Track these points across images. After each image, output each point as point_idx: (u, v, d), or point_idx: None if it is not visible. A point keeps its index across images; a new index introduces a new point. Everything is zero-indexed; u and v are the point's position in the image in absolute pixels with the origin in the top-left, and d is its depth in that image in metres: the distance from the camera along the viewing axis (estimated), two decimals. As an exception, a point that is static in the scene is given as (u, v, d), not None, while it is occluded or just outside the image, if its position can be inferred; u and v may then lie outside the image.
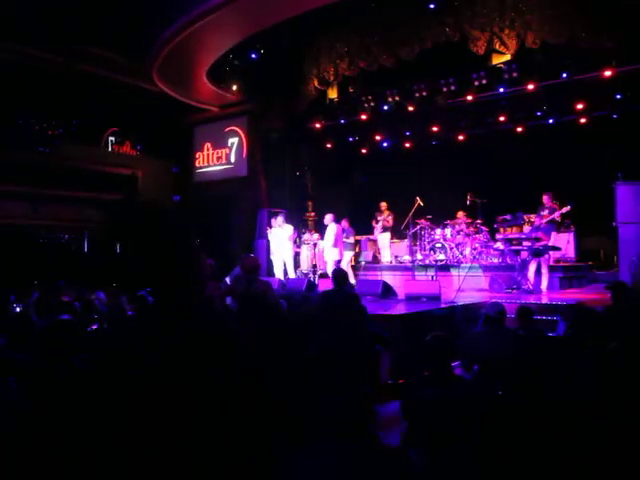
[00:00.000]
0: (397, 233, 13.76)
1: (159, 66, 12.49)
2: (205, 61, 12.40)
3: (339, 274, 6.01)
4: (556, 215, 10.47)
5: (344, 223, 12.29)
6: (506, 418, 2.60)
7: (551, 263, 10.68)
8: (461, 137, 14.34)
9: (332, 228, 11.93)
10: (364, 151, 15.79)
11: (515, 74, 11.19)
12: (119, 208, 14.47)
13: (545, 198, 10.78)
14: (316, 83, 12.85)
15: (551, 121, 12.94)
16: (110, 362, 1.57)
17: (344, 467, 2.08)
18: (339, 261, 11.86)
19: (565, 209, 10.50)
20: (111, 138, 16.46)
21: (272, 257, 12.32)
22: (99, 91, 14.52)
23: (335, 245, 11.87)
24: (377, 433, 2.77)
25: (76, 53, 13.57)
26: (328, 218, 12.09)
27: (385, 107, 13.12)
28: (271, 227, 12.49)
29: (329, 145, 15.22)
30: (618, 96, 11.52)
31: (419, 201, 12.73)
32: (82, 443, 1.62)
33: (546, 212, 10.60)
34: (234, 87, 13.67)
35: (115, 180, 15.68)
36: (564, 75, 11.01)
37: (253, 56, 12.33)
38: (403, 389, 3.77)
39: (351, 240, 12.34)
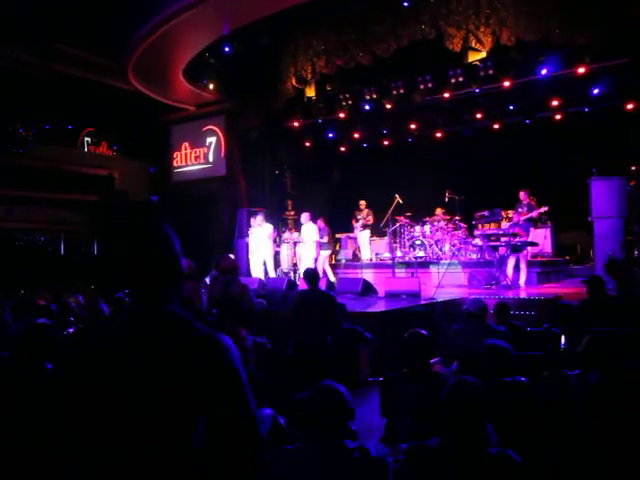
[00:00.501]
0: (377, 230, 13.80)
1: (134, 65, 12.35)
2: (181, 59, 12.29)
3: (311, 273, 5.99)
4: (534, 214, 10.65)
5: (319, 222, 12.29)
6: (485, 414, 2.60)
7: (529, 258, 10.80)
8: (439, 134, 14.44)
9: (312, 226, 11.93)
10: (343, 149, 15.82)
11: (491, 71, 11.26)
12: (99, 208, 14.26)
13: (522, 195, 10.93)
14: (294, 81, 12.80)
15: (527, 118, 13.08)
16: (86, 364, 1.54)
17: (321, 466, 2.07)
18: (317, 259, 11.91)
19: (543, 209, 10.68)
20: (87, 139, 16.27)
21: (251, 256, 12.26)
22: (74, 91, 14.32)
23: (316, 243, 11.90)
24: (355, 431, 2.77)
25: (50, 52, 13.35)
26: (305, 217, 12.08)
27: (363, 105, 13.13)
28: (251, 226, 12.43)
29: (308, 144, 15.21)
30: (592, 92, 11.67)
31: (398, 198, 12.78)
32: (55, 446, 1.59)
33: (524, 209, 10.75)
34: (211, 86, 13.56)
35: (92, 181, 15.49)
36: (539, 72, 11.11)
37: (230, 54, 12.24)
38: (382, 386, 3.77)
39: (325, 239, 12.36)
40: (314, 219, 12.22)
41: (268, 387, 3.14)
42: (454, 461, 2.11)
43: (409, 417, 3.07)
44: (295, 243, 13.18)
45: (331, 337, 4.90)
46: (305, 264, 11.66)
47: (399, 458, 2.25)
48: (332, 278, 12.17)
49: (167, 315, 1.57)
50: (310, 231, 11.98)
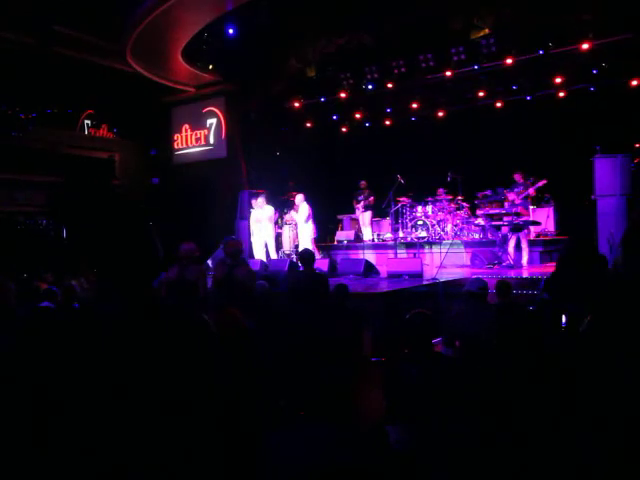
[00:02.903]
0: (379, 211, 13.77)
1: (133, 46, 12.22)
2: (179, 40, 12.15)
3: (305, 255, 5.98)
4: (530, 191, 10.59)
5: None
6: (486, 393, 2.61)
7: (532, 237, 10.78)
8: (441, 113, 14.34)
9: (305, 207, 11.90)
10: (344, 130, 15.73)
11: (494, 48, 11.14)
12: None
13: (517, 176, 10.88)
14: (294, 61, 12.70)
15: (530, 95, 12.96)
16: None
17: (320, 448, 2.08)
18: (315, 238, 11.95)
19: (541, 183, 10.60)
20: (87, 121, 16.17)
21: (252, 239, 12.26)
22: (74, 74, 14.19)
23: (308, 222, 11.90)
24: (356, 411, 2.77)
25: (49, 35, 13.21)
26: (300, 198, 12.03)
27: (364, 84, 13.03)
28: (252, 208, 12.41)
29: (309, 124, 15.14)
30: (595, 69, 11.56)
31: (400, 179, 12.72)
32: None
33: (521, 189, 10.73)
34: (210, 67, 13.45)
35: (92, 164, 15.43)
36: (542, 48, 10.97)
37: (229, 35, 12.09)
38: (385, 367, 3.78)
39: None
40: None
41: (268, 368, 3.16)
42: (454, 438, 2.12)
43: (411, 397, 3.08)
44: (297, 224, 13.17)
45: (332, 317, 4.91)
46: (304, 244, 11.71)
47: (399, 436, 2.26)
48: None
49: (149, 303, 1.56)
50: (302, 212, 11.94)
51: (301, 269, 6.59)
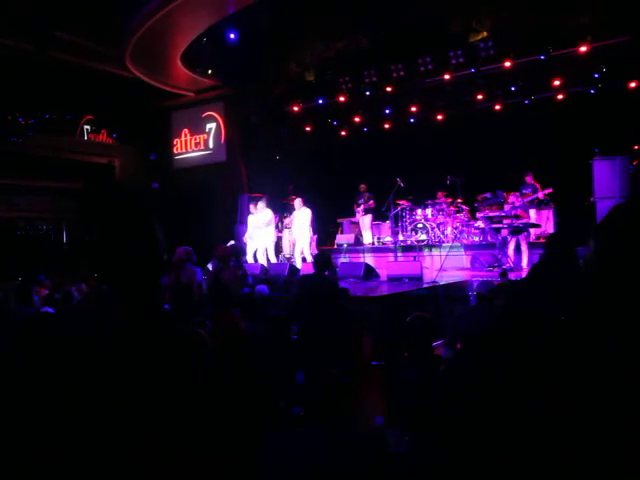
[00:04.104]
0: (379, 214, 13.77)
1: (132, 51, 12.24)
2: (179, 45, 12.18)
3: (318, 259, 5.97)
4: (539, 195, 10.73)
5: None
6: (484, 396, 2.60)
7: (532, 240, 10.80)
8: (440, 117, 14.36)
9: (306, 211, 11.92)
10: (343, 133, 15.75)
11: (492, 51, 11.16)
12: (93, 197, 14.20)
13: (528, 178, 11.00)
14: (293, 65, 12.72)
15: (529, 98, 12.98)
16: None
17: (320, 450, 2.08)
18: (310, 243, 11.99)
19: (547, 190, 10.74)
20: (86, 127, 16.19)
21: (249, 242, 12.20)
22: (73, 79, 14.21)
23: (304, 225, 11.93)
24: (355, 415, 2.78)
25: (48, 40, 13.23)
26: (299, 202, 12.05)
27: (363, 88, 13.05)
28: (250, 212, 12.40)
29: (308, 128, 15.16)
30: (594, 72, 11.58)
31: (399, 182, 12.73)
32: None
33: (529, 190, 10.82)
34: (209, 71, 13.47)
35: (92, 169, 15.46)
36: (541, 51, 10.99)
37: (229, 39, 12.12)
38: (384, 370, 3.78)
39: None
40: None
41: (268, 371, 3.15)
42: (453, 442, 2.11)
43: (410, 401, 3.08)
44: (297, 228, 13.17)
45: (333, 321, 4.91)
46: (299, 249, 11.71)
47: (398, 439, 2.25)
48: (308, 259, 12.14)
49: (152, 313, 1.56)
50: (304, 216, 11.95)
51: (305, 273, 6.59)
